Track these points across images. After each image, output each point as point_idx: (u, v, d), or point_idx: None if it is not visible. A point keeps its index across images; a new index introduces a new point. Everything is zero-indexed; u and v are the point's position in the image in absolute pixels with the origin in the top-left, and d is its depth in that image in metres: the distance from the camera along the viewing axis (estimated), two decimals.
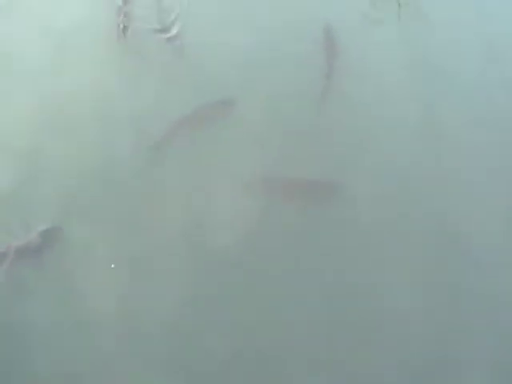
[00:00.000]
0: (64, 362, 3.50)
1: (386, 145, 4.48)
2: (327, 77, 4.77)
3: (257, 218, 4.03)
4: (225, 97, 4.59)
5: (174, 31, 4.99)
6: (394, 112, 4.66)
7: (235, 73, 4.70)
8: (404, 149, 4.48)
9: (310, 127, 4.52)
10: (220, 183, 4.18)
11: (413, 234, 4.08)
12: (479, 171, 4.38)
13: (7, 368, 3.48)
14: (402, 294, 3.80)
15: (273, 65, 4.81)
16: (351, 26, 5.14)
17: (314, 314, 3.74)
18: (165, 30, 5.00)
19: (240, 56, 4.81)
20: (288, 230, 4.03)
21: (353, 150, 4.43)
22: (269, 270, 3.87)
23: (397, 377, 3.55)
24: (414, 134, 4.57)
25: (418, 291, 3.83)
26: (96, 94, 4.56)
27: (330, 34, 5.05)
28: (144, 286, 3.78)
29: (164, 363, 3.52)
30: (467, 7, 5.41)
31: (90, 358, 3.51)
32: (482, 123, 4.63)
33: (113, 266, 3.77)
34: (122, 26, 5.00)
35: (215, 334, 3.62)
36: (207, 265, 3.86)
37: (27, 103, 4.50)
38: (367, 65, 4.93)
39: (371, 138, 4.50)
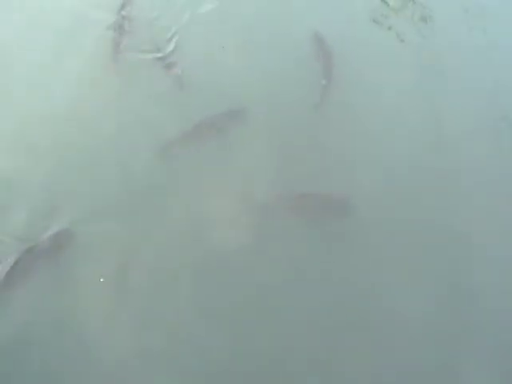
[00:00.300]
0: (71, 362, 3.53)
1: (392, 155, 4.48)
2: (326, 83, 4.78)
3: (265, 229, 4.04)
4: (235, 107, 4.60)
5: (172, 59, 4.90)
6: (400, 121, 4.69)
7: (236, 91, 4.70)
8: (410, 157, 4.49)
9: (313, 138, 4.53)
10: (227, 193, 4.19)
11: (419, 243, 4.08)
12: (485, 179, 4.40)
13: (9, 368, 3.51)
14: (406, 300, 3.80)
15: (275, 78, 4.82)
16: (352, 34, 5.15)
17: (320, 323, 3.75)
18: (163, 58, 4.91)
19: (239, 75, 4.80)
20: (296, 241, 4.04)
21: (357, 160, 4.45)
22: (275, 278, 3.87)
23: None
24: (419, 143, 4.57)
25: (423, 298, 3.83)
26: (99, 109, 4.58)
27: (321, 41, 5.06)
28: (151, 288, 3.80)
29: (168, 363, 3.54)
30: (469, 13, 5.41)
31: (96, 358, 3.52)
32: (484, 129, 4.65)
33: (102, 279, 3.77)
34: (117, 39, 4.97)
35: (223, 337, 3.64)
36: (213, 273, 3.87)
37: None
38: (370, 72, 4.93)
39: (375, 147, 4.51)
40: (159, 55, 4.92)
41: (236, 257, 3.88)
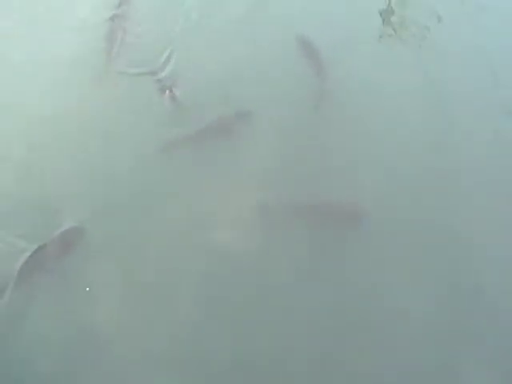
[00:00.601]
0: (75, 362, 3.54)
1: (393, 155, 4.48)
2: (320, 83, 4.78)
3: (267, 230, 4.05)
4: (241, 109, 4.61)
5: (167, 76, 4.85)
6: (401, 121, 4.68)
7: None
8: (411, 157, 4.49)
9: (316, 140, 4.52)
10: (232, 194, 4.20)
11: (419, 243, 4.07)
12: (485, 179, 4.39)
13: (10, 368, 3.51)
14: (406, 300, 3.80)
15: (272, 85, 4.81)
16: (353, 34, 5.14)
17: (321, 323, 3.75)
18: (160, 79, 4.85)
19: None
20: (297, 241, 4.04)
21: (359, 160, 4.46)
22: (276, 279, 3.87)
23: None
24: (420, 143, 4.57)
25: (423, 298, 3.82)
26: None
27: (306, 43, 5.06)
28: (155, 288, 3.82)
29: (169, 364, 3.55)
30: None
31: (101, 360, 3.53)
32: (484, 129, 4.64)
33: (88, 289, 3.76)
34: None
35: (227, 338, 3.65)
36: (215, 274, 3.88)
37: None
38: (371, 72, 4.92)
39: (377, 148, 4.51)
40: (156, 77, 4.85)
41: (239, 258, 3.89)
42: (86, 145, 4.41)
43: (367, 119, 4.65)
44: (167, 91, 4.70)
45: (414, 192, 4.29)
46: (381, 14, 5.41)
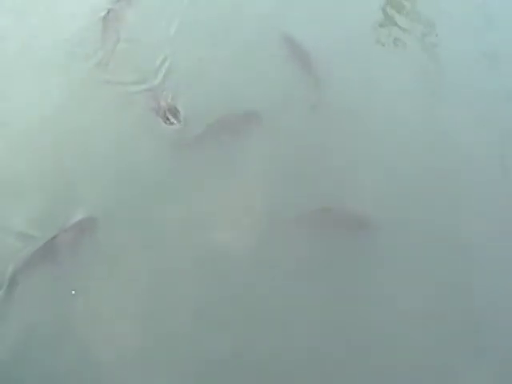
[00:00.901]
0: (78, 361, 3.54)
1: (393, 155, 4.48)
2: (315, 83, 4.77)
3: (267, 231, 4.05)
4: (243, 110, 4.61)
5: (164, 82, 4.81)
6: (401, 122, 4.68)
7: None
8: (411, 157, 4.48)
9: (316, 140, 4.52)
10: (238, 196, 4.21)
11: (419, 243, 4.07)
12: (485, 179, 4.39)
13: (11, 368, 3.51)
14: (406, 300, 3.79)
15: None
16: (352, 34, 5.12)
17: (320, 323, 3.75)
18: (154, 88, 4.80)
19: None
20: (297, 241, 4.04)
21: (359, 160, 4.46)
22: (276, 279, 3.88)
23: None
24: (420, 143, 4.57)
25: (423, 298, 3.81)
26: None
27: (293, 43, 5.03)
28: (155, 288, 3.83)
29: (168, 365, 3.55)
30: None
31: (102, 359, 3.53)
32: (485, 129, 4.63)
33: (73, 292, 3.75)
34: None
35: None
36: (215, 274, 3.89)
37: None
38: (370, 72, 4.93)
39: (377, 148, 4.50)
40: (153, 83, 4.81)
41: (239, 258, 3.90)
42: (86, 144, 4.42)
43: (367, 119, 4.65)
44: (164, 102, 4.69)
45: (414, 192, 4.29)
46: (380, 14, 5.40)
